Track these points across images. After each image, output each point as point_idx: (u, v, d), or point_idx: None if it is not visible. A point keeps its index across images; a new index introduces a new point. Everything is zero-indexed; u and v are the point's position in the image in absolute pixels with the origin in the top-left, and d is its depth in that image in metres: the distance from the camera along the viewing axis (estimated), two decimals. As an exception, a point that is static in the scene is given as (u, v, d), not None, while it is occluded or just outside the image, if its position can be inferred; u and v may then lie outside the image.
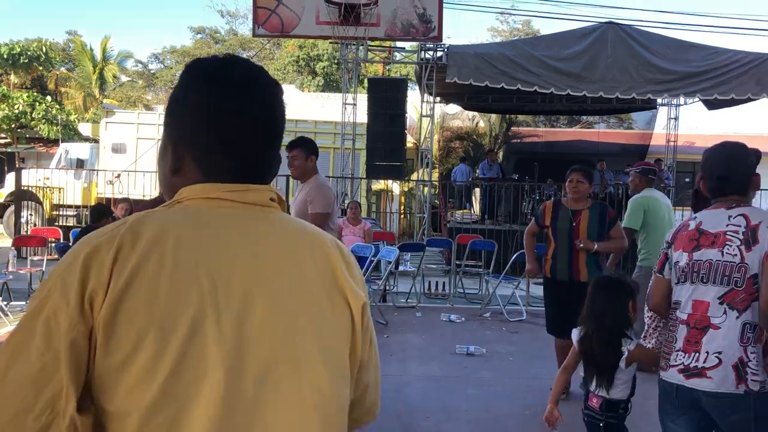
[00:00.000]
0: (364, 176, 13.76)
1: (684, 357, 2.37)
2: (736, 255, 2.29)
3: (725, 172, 2.42)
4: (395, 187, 19.78)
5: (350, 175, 13.43)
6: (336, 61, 31.11)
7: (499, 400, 5.00)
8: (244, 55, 33.81)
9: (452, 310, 8.12)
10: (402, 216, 19.31)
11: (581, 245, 4.79)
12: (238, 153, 1.08)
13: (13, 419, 0.89)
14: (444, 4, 12.16)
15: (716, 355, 2.28)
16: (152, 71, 35.27)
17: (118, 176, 12.79)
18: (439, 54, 12.50)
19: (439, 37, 12.26)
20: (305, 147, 4.74)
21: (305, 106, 21.92)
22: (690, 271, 2.38)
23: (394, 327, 7.25)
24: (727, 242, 2.31)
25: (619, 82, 12.39)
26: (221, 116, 1.07)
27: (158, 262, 0.94)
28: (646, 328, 2.95)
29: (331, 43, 16.22)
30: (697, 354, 2.32)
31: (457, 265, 9.10)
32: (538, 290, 8.95)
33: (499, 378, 5.53)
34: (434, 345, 6.56)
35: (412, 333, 7.03)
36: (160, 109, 22.71)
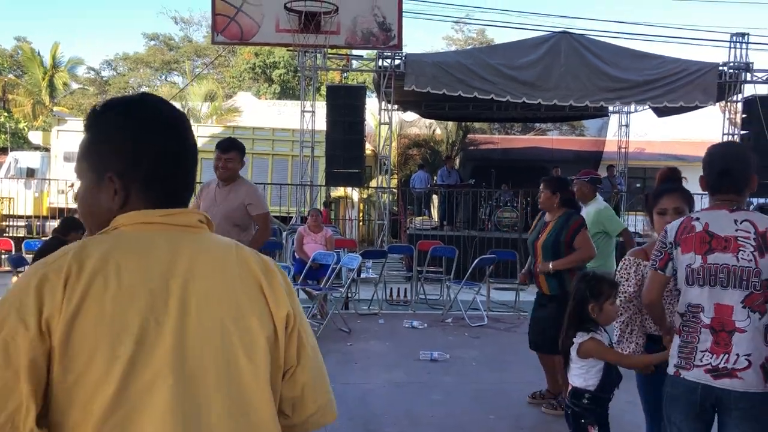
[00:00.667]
0: (324, 183, 13.74)
1: (711, 358, 2.42)
2: (751, 260, 2.37)
3: (726, 166, 2.51)
4: (354, 194, 19.79)
5: (309, 183, 13.40)
6: (293, 68, 31.05)
7: (464, 406, 5.04)
8: (199, 63, 33.53)
9: (414, 317, 8.16)
10: (361, 223, 19.34)
11: (539, 269, 4.79)
12: (173, 183, 1.23)
13: None
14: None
15: (746, 357, 2.36)
16: (104, 78, 34.59)
17: (72, 186, 12.51)
18: (397, 62, 12.60)
19: (399, 46, 12.36)
20: (241, 150, 4.87)
21: (262, 114, 21.85)
22: (707, 274, 2.44)
23: (357, 334, 7.26)
24: (740, 248, 2.39)
25: (572, 90, 12.66)
26: (162, 151, 1.22)
27: (103, 286, 1.06)
28: (619, 333, 3.02)
29: (288, 50, 16.15)
30: (727, 355, 2.39)
31: (419, 272, 9.15)
32: (498, 295, 9.12)
33: (463, 383, 5.59)
34: (398, 351, 6.59)
35: (375, 340, 7.05)
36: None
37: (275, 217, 13.99)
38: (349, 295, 8.62)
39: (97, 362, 1.02)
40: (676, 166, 3.38)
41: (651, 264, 2.68)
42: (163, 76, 34.58)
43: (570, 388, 3.06)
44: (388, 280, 9.30)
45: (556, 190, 4.78)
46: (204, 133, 16.32)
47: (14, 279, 6.79)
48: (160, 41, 34.44)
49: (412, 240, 11.58)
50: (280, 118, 19.89)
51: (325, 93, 13.52)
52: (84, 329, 1.02)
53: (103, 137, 1.22)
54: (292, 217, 13.65)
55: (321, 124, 13.31)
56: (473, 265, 8.14)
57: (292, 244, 9.79)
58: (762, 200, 14.41)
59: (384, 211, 13.11)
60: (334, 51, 13.70)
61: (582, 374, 3.01)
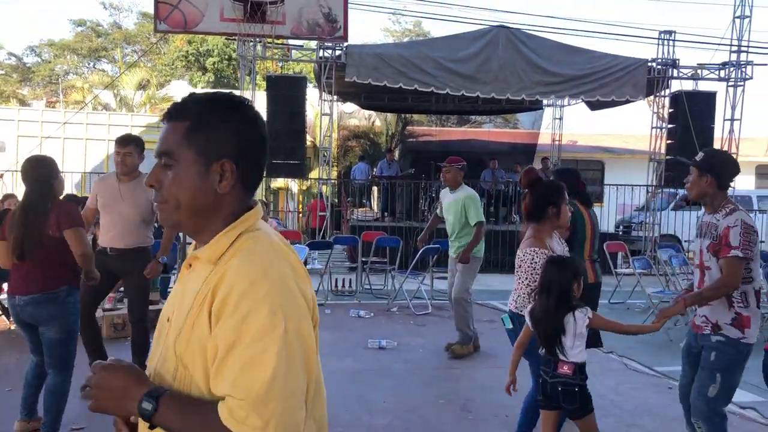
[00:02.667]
0: (264, 175, 13.64)
1: None
2: None
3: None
4: (293, 185, 19.70)
5: (249, 174, 13.27)
6: (227, 57, 30.51)
7: (414, 391, 5.17)
8: (129, 50, 32.54)
9: (360, 306, 8.24)
10: (300, 215, 19.26)
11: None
12: (263, 168, 1.43)
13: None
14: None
15: None
16: (28, 65, 33.16)
17: (1, 176, 12.02)
18: (338, 53, 12.59)
19: (345, 37, 12.36)
20: (139, 144, 4.84)
21: (198, 104, 21.41)
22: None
23: (305, 324, 7.28)
24: None
25: (510, 84, 12.93)
26: (263, 138, 1.39)
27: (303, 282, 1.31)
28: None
29: (228, 39, 15.89)
30: None
31: (363, 262, 9.23)
32: (441, 284, 9.24)
33: (412, 369, 5.71)
34: (346, 340, 6.65)
35: (323, 330, 7.01)
36: (42, 106, 21.46)
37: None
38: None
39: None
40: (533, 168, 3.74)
41: (744, 253, 3.11)
42: (92, 64, 33.41)
43: (573, 366, 3.15)
44: (332, 271, 9.35)
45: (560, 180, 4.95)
46: (139, 123, 15.94)
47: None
48: (88, 27, 33.24)
49: (354, 231, 11.64)
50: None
51: (263, 83, 13.37)
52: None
53: (221, 124, 1.31)
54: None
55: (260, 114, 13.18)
56: (418, 255, 8.27)
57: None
58: (685, 191, 15.11)
59: (326, 203, 13.12)
60: (272, 41, 13.60)
61: (582, 350, 3.19)
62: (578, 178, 4.80)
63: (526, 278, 3.42)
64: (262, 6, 10.97)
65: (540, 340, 3.22)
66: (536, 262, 3.40)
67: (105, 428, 3.47)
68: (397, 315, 7.95)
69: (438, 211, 6.80)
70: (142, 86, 21.38)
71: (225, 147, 1.30)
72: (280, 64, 21.67)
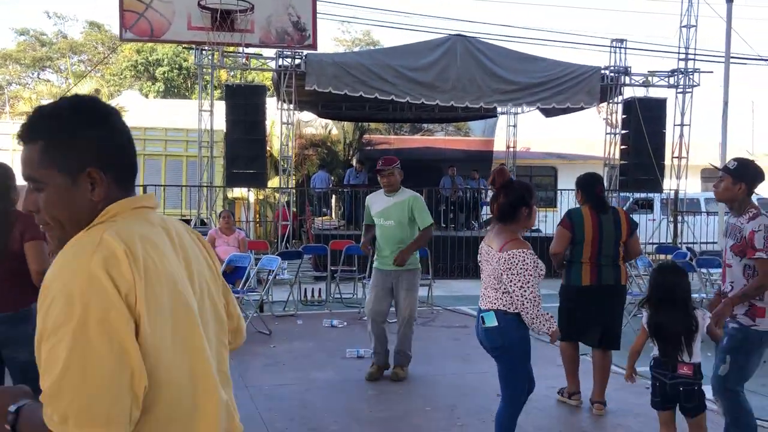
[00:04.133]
0: (224, 185, 13.46)
1: None
2: None
3: None
4: (250, 195, 19.47)
5: (208, 184, 13.07)
6: (177, 66, 30.05)
7: (399, 399, 5.16)
8: (75, 59, 31.70)
9: (332, 316, 8.20)
10: (257, 225, 19.04)
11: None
12: (135, 168, 1.43)
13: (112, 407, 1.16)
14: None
15: None
16: (-34, 74, 31.97)
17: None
18: (297, 62, 12.55)
19: (314, 45, 12.35)
20: None
21: (149, 113, 21.00)
22: None
23: (279, 336, 7.21)
24: None
25: (468, 92, 13.10)
26: (127, 140, 1.40)
27: (152, 260, 1.27)
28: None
29: (184, 48, 15.66)
30: None
31: (333, 271, 9.18)
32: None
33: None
34: (322, 350, 6.61)
35: (298, 341, 7.03)
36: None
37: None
38: (264, 297, 8.52)
39: (167, 321, 1.27)
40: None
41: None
42: (35, 74, 32.43)
43: (693, 366, 3.47)
44: (300, 281, 9.28)
45: (578, 188, 5.07)
46: (92, 134, 15.52)
47: None
48: (31, 36, 32.27)
49: (318, 240, 11.59)
50: (170, 118, 19.21)
51: (216, 92, 13.22)
52: (154, 297, 1.24)
53: (73, 136, 1.31)
54: (190, 219, 13.27)
55: (216, 123, 13.06)
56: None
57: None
58: (638, 195, 15.56)
59: (288, 212, 13.02)
60: (232, 50, 13.46)
61: (699, 351, 3.48)
62: (597, 184, 5.02)
63: (519, 280, 3.45)
64: (231, 14, 10.87)
65: (662, 346, 3.50)
66: (528, 263, 3.46)
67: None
68: (370, 323, 7.92)
69: (366, 219, 5.93)
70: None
71: (85, 156, 1.31)
72: (231, 73, 21.52)
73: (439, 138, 22.94)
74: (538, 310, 3.47)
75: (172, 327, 1.27)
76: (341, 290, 9.37)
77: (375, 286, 5.73)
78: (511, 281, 3.49)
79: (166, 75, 29.83)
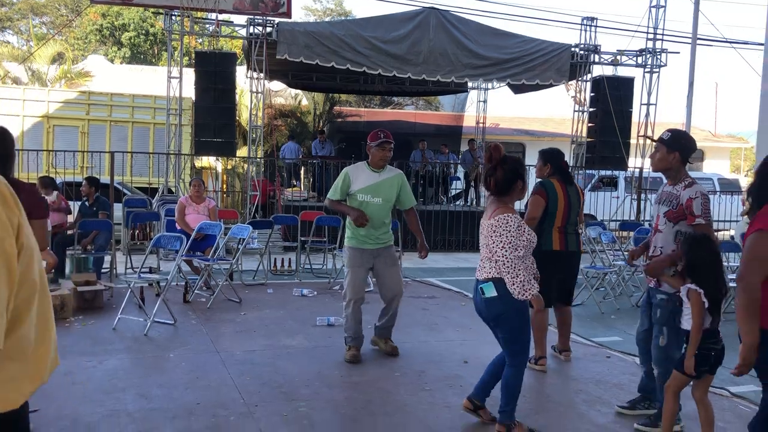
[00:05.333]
0: (192, 153, 13.33)
1: None
2: None
3: None
4: (218, 165, 19.32)
5: (176, 152, 12.93)
6: (144, 31, 29.41)
7: (370, 365, 5.26)
8: (36, 21, 30.76)
9: (302, 285, 8.26)
10: (224, 194, 18.93)
11: None
12: None
13: None
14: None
15: None
16: None
17: None
18: (269, 30, 12.42)
19: (288, 14, 12.21)
20: None
21: (115, 79, 20.60)
22: None
23: (249, 304, 7.25)
24: None
25: (440, 66, 13.10)
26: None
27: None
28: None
29: (152, 12, 15.34)
30: None
31: (303, 242, 9.22)
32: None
33: (363, 345, 5.78)
34: (293, 319, 6.67)
35: (269, 309, 7.08)
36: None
37: (138, 188, 13.43)
38: (234, 266, 8.53)
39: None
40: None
41: (706, 220, 3.68)
42: (-6, 35, 31.44)
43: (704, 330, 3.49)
44: (270, 251, 9.31)
45: (547, 161, 5.33)
46: (56, 99, 15.20)
47: None
48: (-10, -4, 31.21)
49: (288, 211, 11.59)
50: (138, 84, 18.88)
51: (184, 59, 13.00)
52: None
53: None
54: (157, 188, 13.15)
55: (185, 91, 12.89)
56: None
57: (166, 214, 9.50)
58: (603, 172, 15.84)
59: (258, 182, 12.96)
60: (201, 15, 13.24)
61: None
62: (562, 158, 5.38)
63: (501, 241, 3.56)
64: (205, -21, 10.68)
65: (715, 317, 3.50)
66: (510, 224, 3.58)
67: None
68: (340, 293, 7.95)
69: (345, 195, 5.36)
70: (55, 60, 20.34)
71: None
72: (200, 40, 21.16)
73: (410, 112, 22.97)
74: (518, 273, 3.57)
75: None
76: (311, 261, 9.42)
77: (358, 266, 5.36)
78: (495, 243, 3.59)
79: (132, 40, 29.19)
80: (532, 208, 5.17)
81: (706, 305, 3.43)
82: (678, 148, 3.82)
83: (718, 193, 15.39)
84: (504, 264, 3.58)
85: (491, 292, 3.66)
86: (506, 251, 3.56)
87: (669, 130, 3.98)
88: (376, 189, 5.31)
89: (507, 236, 3.57)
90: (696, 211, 3.71)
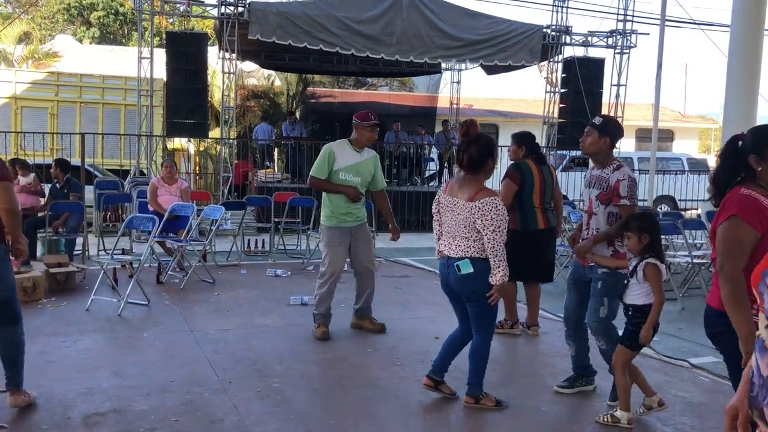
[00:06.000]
0: (164, 135, 13.23)
1: None
2: None
3: None
4: (190, 146, 19.18)
5: (149, 133, 12.83)
6: (113, 11, 28.92)
7: (342, 342, 5.35)
8: (1, 0, 30.03)
9: (276, 266, 8.30)
10: (197, 176, 18.81)
11: None
12: None
13: None
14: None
15: None
16: None
17: None
18: (241, 10, 12.33)
19: (259, -7, 12.06)
20: None
21: (88, 60, 20.26)
22: None
23: (223, 284, 7.28)
24: None
25: (413, 47, 13.12)
26: None
27: None
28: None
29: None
30: None
31: (276, 222, 9.25)
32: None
33: (337, 323, 5.83)
34: (267, 298, 6.73)
35: (242, 289, 7.12)
36: None
37: (110, 170, 13.30)
38: (207, 247, 8.54)
39: None
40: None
41: (631, 202, 3.80)
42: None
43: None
44: (243, 232, 9.33)
45: (521, 143, 5.55)
46: (24, 79, 14.96)
47: None
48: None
49: (262, 192, 11.59)
50: (108, 65, 18.59)
51: (155, 40, 12.86)
52: None
53: None
54: (129, 170, 13.04)
55: (156, 72, 12.77)
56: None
57: (138, 196, 9.45)
58: (574, 153, 16.02)
59: (230, 165, 12.92)
60: (171, -5, 13.08)
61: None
62: (535, 139, 5.66)
63: (492, 224, 3.68)
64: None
65: None
66: (500, 210, 3.71)
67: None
68: (314, 273, 8.01)
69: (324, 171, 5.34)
70: (22, 40, 19.94)
71: None
72: (171, 20, 20.89)
73: (384, 93, 22.93)
74: (504, 256, 3.73)
75: None
76: (285, 242, 9.46)
77: (339, 245, 5.38)
78: (485, 226, 3.68)
79: (101, 20, 28.68)
80: (505, 194, 5.36)
81: (664, 277, 3.57)
82: (608, 134, 3.94)
83: (686, 172, 15.68)
84: (493, 247, 3.69)
85: (468, 268, 3.76)
86: (496, 234, 3.68)
87: (601, 116, 4.13)
88: (357, 168, 5.41)
89: (497, 220, 3.68)
90: (622, 193, 3.84)
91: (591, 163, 4.14)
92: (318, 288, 5.48)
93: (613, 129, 4.00)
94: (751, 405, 1.58)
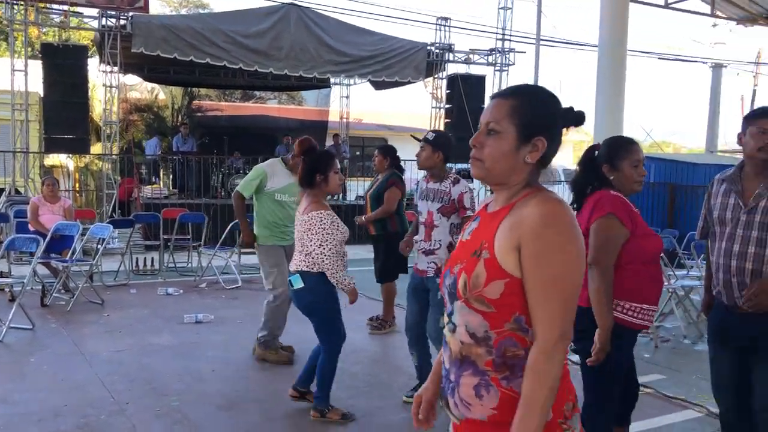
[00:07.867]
0: (42, 151, 12.62)
1: None
2: None
3: None
4: (70, 162, 18.30)
5: (24, 150, 12.19)
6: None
7: (238, 358, 5.35)
8: None
9: (167, 284, 8.14)
10: (77, 193, 17.96)
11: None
12: None
13: None
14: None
15: None
16: None
17: None
18: (123, 22, 12.02)
19: (145, 8, 11.81)
20: None
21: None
22: None
23: (112, 304, 7.07)
24: None
25: (302, 62, 13.26)
26: None
27: None
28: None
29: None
30: None
31: (166, 240, 9.06)
32: (249, 259, 9.39)
33: (233, 339, 5.87)
34: (159, 317, 6.61)
35: (133, 309, 6.95)
36: None
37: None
38: (94, 267, 8.25)
39: None
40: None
41: (472, 212, 3.87)
42: None
43: None
44: (131, 250, 9.07)
45: (386, 155, 6.04)
46: None
47: None
48: None
49: (149, 209, 11.29)
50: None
51: (27, 50, 12.26)
52: None
53: None
54: (3, 188, 12.31)
55: (30, 85, 12.17)
56: (227, 230, 8.39)
57: (16, 216, 8.99)
58: (460, 165, 16.67)
59: (113, 181, 12.49)
60: (45, 6, 12.53)
61: None
62: (396, 152, 6.18)
63: (318, 238, 3.79)
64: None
65: None
66: (325, 222, 3.81)
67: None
68: (207, 290, 8.00)
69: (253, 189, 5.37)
70: None
71: None
72: (44, 30, 19.89)
73: (273, 106, 22.87)
74: (337, 267, 3.82)
75: None
76: (175, 259, 9.29)
77: (281, 263, 5.24)
78: (311, 240, 3.82)
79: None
80: (394, 198, 5.88)
81: None
82: (441, 149, 4.11)
83: (562, 182, 16.66)
84: (322, 260, 3.80)
85: (299, 283, 3.90)
86: (324, 248, 3.79)
87: (433, 131, 4.37)
88: (291, 189, 5.31)
89: (322, 233, 3.80)
90: (467, 204, 4.01)
91: (420, 176, 4.37)
92: (270, 310, 5.26)
93: (445, 144, 4.15)
94: (441, 395, 1.73)
